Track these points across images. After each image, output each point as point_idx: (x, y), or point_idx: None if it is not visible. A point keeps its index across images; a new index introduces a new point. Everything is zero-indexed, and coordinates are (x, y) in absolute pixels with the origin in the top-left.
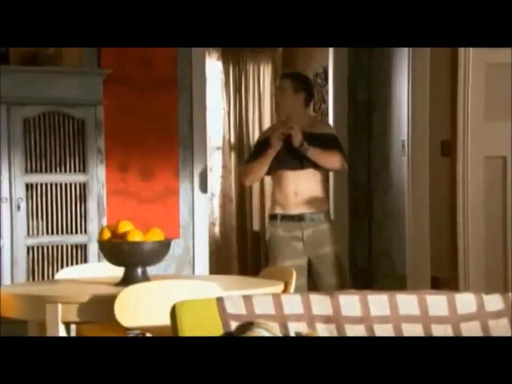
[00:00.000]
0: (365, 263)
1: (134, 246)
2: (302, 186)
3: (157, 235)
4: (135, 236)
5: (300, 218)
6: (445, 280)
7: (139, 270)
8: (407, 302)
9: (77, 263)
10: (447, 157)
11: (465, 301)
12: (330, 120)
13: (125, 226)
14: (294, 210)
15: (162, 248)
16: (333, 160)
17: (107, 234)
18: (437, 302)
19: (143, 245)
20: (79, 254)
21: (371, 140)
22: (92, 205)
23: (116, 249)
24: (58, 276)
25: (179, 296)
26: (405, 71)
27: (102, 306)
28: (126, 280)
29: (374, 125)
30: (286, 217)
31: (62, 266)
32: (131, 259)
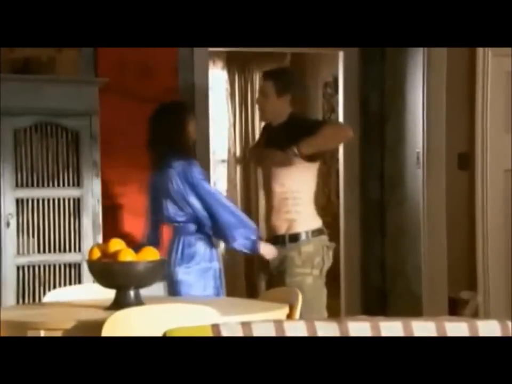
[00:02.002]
0: (378, 282)
1: (126, 267)
2: (274, 202)
3: (150, 254)
4: (127, 256)
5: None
6: (463, 301)
7: (131, 293)
8: (424, 330)
9: (70, 283)
10: (464, 170)
11: (489, 329)
12: None
13: (116, 245)
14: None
15: (156, 268)
16: (338, 135)
17: (97, 254)
18: (457, 330)
19: (135, 265)
20: (72, 274)
21: (384, 152)
22: (86, 221)
23: (106, 270)
24: (46, 298)
25: (172, 322)
26: (419, 79)
27: (88, 333)
28: (117, 304)
29: (387, 137)
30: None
31: (54, 287)
32: (122, 281)
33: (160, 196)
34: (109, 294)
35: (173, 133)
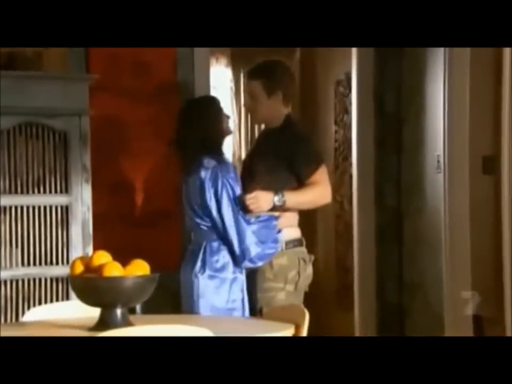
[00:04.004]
0: (395, 297)
1: (112, 282)
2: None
3: (140, 268)
4: (113, 270)
5: None
6: (489, 319)
7: (118, 312)
8: None
9: (57, 299)
10: (489, 174)
11: None
12: (354, 134)
13: (100, 258)
14: None
15: (147, 284)
16: (320, 198)
17: (79, 268)
18: None
19: (122, 281)
20: (60, 289)
21: (401, 155)
22: (75, 230)
23: (89, 286)
24: (26, 317)
25: None
26: (440, 77)
27: None
28: (102, 324)
29: (404, 139)
30: None
31: (39, 303)
32: (108, 298)
33: (189, 199)
34: (97, 312)
35: (204, 129)
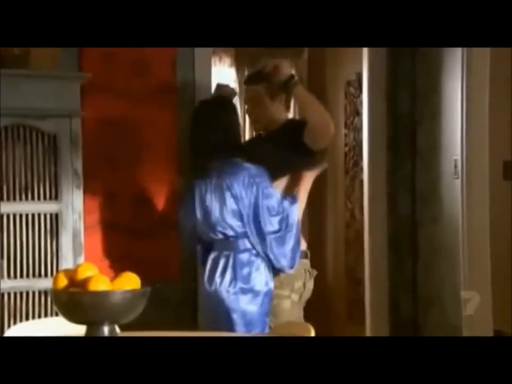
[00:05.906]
0: (409, 312)
1: (97, 298)
2: None
3: (129, 281)
4: (99, 284)
5: None
6: (511, 334)
7: (105, 329)
8: None
9: (45, 314)
10: (510, 180)
11: None
12: (365, 137)
13: (85, 271)
14: None
15: (136, 299)
16: (321, 115)
17: (63, 282)
18: None
19: (109, 296)
20: (48, 303)
21: (416, 159)
22: (65, 240)
23: (73, 301)
24: (11, 332)
25: None
26: (457, 76)
27: None
28: None
29: (419, 142)
30: None
31: (27, 318)
32: (93, 315)
33: (210, 205)
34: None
35: (227, 131)
